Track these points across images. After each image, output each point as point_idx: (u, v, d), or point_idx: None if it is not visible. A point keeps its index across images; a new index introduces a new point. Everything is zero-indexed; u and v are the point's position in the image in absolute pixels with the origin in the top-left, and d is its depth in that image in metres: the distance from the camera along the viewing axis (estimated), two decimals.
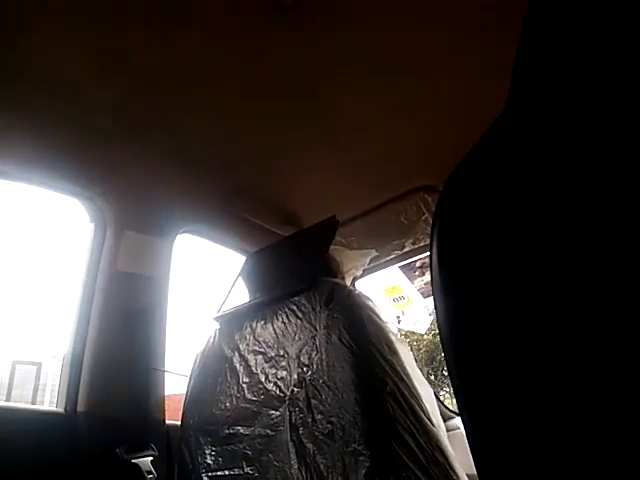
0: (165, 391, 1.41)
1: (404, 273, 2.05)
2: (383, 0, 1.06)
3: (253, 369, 1.15)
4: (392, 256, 1.75)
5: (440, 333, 0.51)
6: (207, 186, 1.55)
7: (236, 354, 1.21)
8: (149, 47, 1.12)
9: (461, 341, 0.49)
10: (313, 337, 1.06)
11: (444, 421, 1.10)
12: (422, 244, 1.68)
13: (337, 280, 1.18)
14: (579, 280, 0.33)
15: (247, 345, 1.20)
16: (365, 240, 1.70)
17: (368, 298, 1.12)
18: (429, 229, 1.47)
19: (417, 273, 2.02)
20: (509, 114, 0.53)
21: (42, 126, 1.22)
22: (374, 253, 1.59)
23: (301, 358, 1.06)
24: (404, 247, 1.70)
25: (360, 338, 1.01)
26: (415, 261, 1.94)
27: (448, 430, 1.11)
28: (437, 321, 0.54)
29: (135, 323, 1.37)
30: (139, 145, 1.36)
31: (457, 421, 1.75)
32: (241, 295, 1.40)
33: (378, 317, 1.07)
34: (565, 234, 0.35)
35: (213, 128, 1.39)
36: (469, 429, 0.47)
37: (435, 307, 0.53)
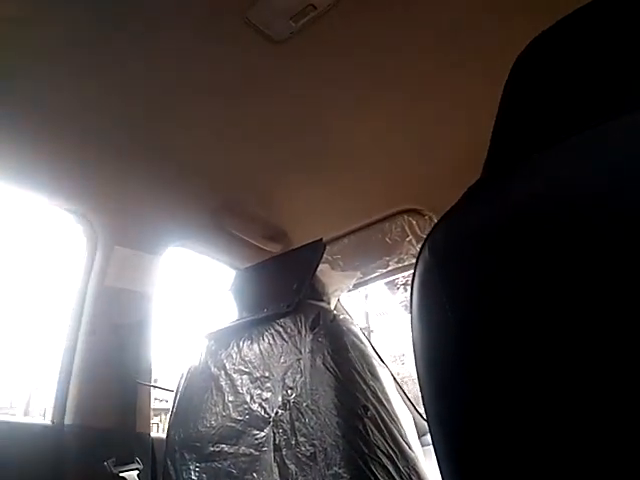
0: (151, 405, 1.44)
1: (387, 287, 2.10)
2: (372, 33, 1.10)
3: (239, 389, 1.19)
4: (376, 274, 1.80)
5: (414, 350, 0.55)
6: (196, 202, 1.58)
7: (222, 373, 1.25)
8: (142, 74, 1.15)
9: (437, 361, 0.53)
10: (298, 360, 1.10)
11: (420, 437, 1.15)
12: (406, 263, 1.73)
13: (323, 304, 1.22)
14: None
15: (233, 364, 1.23)
16: (350, 258, 1.75)
17: (352, 322, 1.16)
18: (413, 250, 1.52)
19: (400, 289, 2.06)
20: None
21: (36, 144, 1.24)
22: (358, 275, 1.63)
23: (286, 380, 1.10)
24: (388, 266, 1.75)
25: (343, 363, 1.05)
26: (397, 278, 1.99)
27: (423, 446, 1.15)
28: (412, 339, 0.57)
29: (123, 337, 1.40)
30: (129, 162, 1.38)
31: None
32: (229, 312, 1.43)
33: (361, 342, 1.11)
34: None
35: (202, 146, 1.42)
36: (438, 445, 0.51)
37: (412, 324, 0.57)
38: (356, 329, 1.14)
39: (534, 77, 0.62)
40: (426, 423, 0.53)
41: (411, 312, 0.56)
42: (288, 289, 1.26)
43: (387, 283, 2.06)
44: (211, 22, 1.06)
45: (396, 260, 1.72)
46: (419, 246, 1.62)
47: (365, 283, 1.88)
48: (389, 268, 1.76)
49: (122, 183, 1.39)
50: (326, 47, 1.11)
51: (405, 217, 1.63)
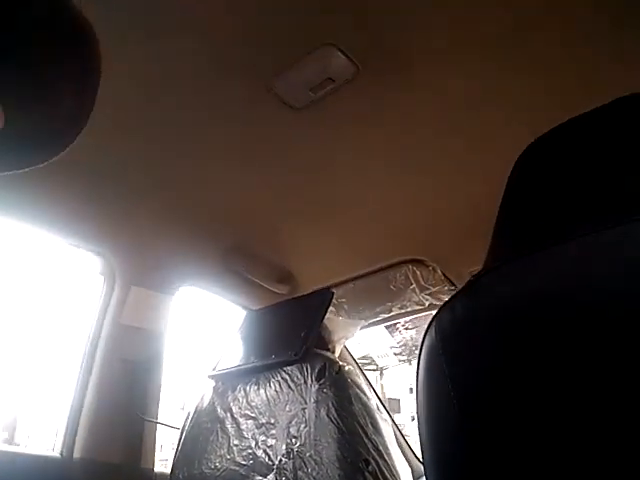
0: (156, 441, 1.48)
1: (386, 328, 2.16)
2: (385, 105, 1.18)
3: (244, 433, 1.23)
4: (379, 318, 1.85)
5: (419, 420, 0.60)
6: (208, 245, 1.64)
7: (228, 415, 1.29)
8: (159, 122, 1.22)
9: (439, 435, 0.58)
10: (303, 409, 1.15)
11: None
12: (408, 309, 1.79)
13: (329, 354, 1.27)
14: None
15: (239, 408, 1.28)
16: (355, 302, 1.80)
17: (356, 374, 1.21)
18: (415, 297, 1.57)
19: (399, 331, 2.10)
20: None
21: (57, 186, 1.30)
22: (363, 323, 1.69)
23: (290, 429, 1.14)
24: (391, 311, 1.81)
25: (347, 416, 1.10)
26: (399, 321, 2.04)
27: None
28: (417, 410, 0.63)
29: (134, 374, 1.45)
30: (148, 207, 1.45)
31: None
32: (237, 353, 1.48)
33: (365, 395, 1.16)
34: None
35: (216, 193, 1.48)
36: None
37: (417, 397, 0.62)
38: (360, 381, 1.19)
39: (534, 176, 0.69)
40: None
41: (417, 386, 0.62)
42: (296, 336, 1.31)
43: (388, 325, 2.11)
44: (234, 88, 1.13)
45: (399, 306, 1.77)
46: (422, 294, 1.69)
47: (367, 327, 1.93)
48: (392, 313, 1.82)
49: (140, 226, 1.46)
50: (342, 116, 1.18)
51: (409, 266, 1.68)
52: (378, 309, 1.81)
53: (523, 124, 1.19)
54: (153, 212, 1.47)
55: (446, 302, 0.59)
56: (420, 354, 0.61)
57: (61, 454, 1.36)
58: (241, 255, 1.67)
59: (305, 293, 1.79)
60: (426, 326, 0.60)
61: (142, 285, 1.47)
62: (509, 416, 0.48)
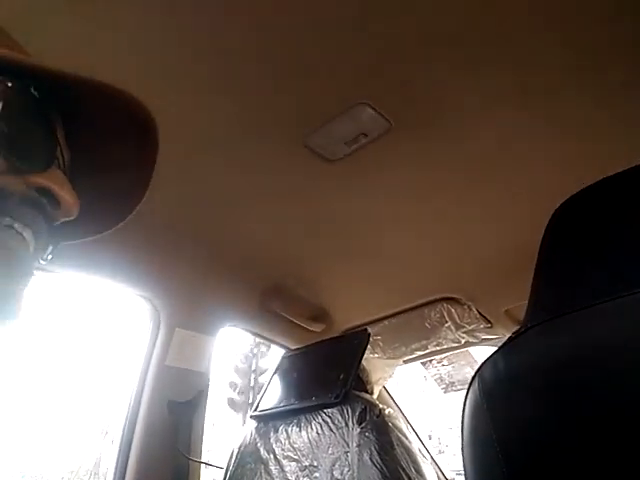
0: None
1: (421, 362, 2.17)
2: (417, 158, 1.23)
3: (288, 475, 1.26)
4: (414, 355, 1.87)
5: (465, 470, 0.63)
6: (246, 286, 1.71)
7: (272, 457, 1.32)
8: (198, 176, 1.28)
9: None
10: (346, 453, 1.18)
11: None
12: (444, 347, 1.80)
13: (368, 397, 1.30)
14: None
15: (282, 450, 1.31)
16: (390, 340, 1.83)
17: (397, 418, 1.23)
18: (451, 335, 1.59)
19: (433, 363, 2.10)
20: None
21: (112, 239, 1.38)
22: (400, 363, 1.71)
23: (334, 472, 1.17)
24: (427, 348, 1.83)
25: (390, 460, 1.12)
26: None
27: None
28: (463, 460, 0.65)
29: (179, 414, 1.49)
30: (189, 254, 1.52)
31: None
32: (277, 393, 1.52)
33: (406, 438, 1.18)
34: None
35: (256, 240, 1.54)
36: None
37: (462, 447, 0.65)
38: (401, 424, 1.21)
39: (575, 227, 0.71)
40: None
41: (462, 440, 0.65)
42: (335, 378, 1.35)
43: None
44: (271, 142, 1.19)
45: (435, 344, 1.79)
46: (458, 332, 1.71)
47: (403, 363, 1.94)
48: (427, 351, 1.84)
49: (185, 273, 1.53)
50: (376, 167, 1.24)
51: (444, 304, 1.71)
52: (413, 346, 1.83)
53: (555, 174, 1.23)
54: (195, 259, 1.54)
55: (488, 357, 0.62)
56: (464, 409, 0.63)
57: None
58: (277, 296, 1.72)
59: (341, 331, 1.84)
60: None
61: (185, 327, 1.53)
62: (556, 471, 0.51)
